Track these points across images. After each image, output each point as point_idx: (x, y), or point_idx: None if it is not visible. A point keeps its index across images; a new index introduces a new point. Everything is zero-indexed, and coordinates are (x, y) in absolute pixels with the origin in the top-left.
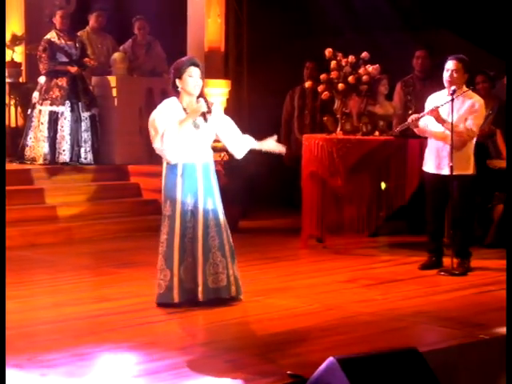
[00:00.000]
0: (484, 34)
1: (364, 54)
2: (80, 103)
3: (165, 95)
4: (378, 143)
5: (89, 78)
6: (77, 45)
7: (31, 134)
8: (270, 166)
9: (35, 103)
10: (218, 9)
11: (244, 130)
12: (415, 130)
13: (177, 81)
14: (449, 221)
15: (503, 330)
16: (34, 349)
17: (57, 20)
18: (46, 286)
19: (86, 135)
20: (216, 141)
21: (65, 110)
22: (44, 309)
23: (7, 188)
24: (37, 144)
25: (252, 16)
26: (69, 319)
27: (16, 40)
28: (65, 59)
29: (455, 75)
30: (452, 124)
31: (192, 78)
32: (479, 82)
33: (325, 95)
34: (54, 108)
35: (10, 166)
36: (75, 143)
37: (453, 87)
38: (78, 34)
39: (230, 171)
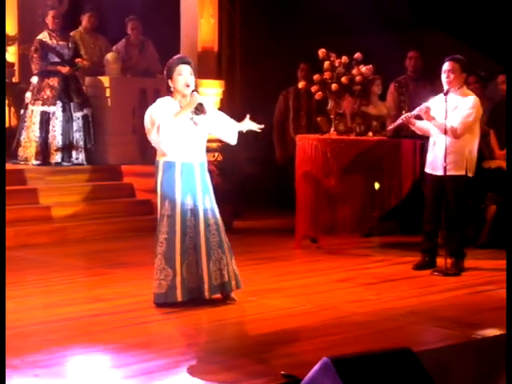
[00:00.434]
0: (477, 34)
1: (357, 55)
2: (72, 103)
3: (158, 95)
4: (372, 143)
5: (82, 79)
6: (69, 45)
7: (24, 134)
8: (263, 166)
9: (27, 103)
10: (210, 9)
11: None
12: (413, 128)
13: (169, 81)
14: (443, 221)
15: (497, 330)
16: (27, 349)
17: (49, 20)
18: (40, 287)
19: (77, 135)
20: (209, 141)
21: (56, 110)
22: (37, 309)
23: None
24: (29, 144)
25: (245, 16)
26: (62, 319)
27: (9, 40)
28: (57, 59)
29: (452, 76)
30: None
31: (181, 76)
32: (471, 82)
33: (318, 96)
34: (46, 108)
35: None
36: (67, 143)
37: (446, 87)
38: (71, 34)
39: (223, 171)
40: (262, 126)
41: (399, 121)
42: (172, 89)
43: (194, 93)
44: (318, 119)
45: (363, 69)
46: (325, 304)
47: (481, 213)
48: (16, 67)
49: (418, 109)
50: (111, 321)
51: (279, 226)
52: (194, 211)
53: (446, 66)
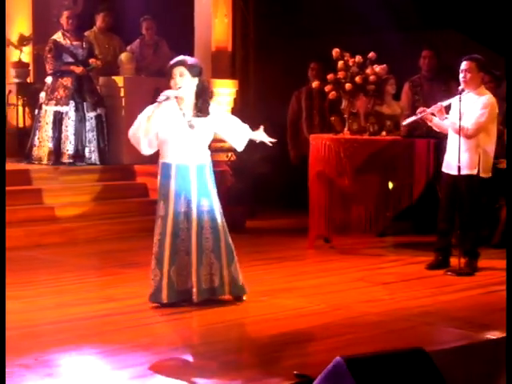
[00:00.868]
0: (491, 33)
1: (371, 54)
2: (85, 103)
3: None
4: (385, 143)
5: (96, 79)
6: (84, 45)
7: (38, 135)
8: (277, 165)
9: (42, 103)
10: (224, 9)
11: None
12: (430, 123)
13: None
14: (457, 221)
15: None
16: (39, 349)
17: (63, 20)
18: (51, 286)
19: (90, 135)
20: (222, 141)
21: (69, 109)
22: (49, 309)
23: (12, 188)
24: (43, 144)
25: (258, 16)
26: (74, 319)
27: (23, 40)
28: (71, 59)
29: (469, 75)
30: (458, 123)
31: (173, 79)
32: (485, 82)
33: (332, 95)
34: (59, 108)
35: (18, 166)
36: (79, 143)
37: (460, 86)
38: (86, 34)
39: (237, 171)
40: (274, 141)
41: (415, 117)
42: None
43: (166, 91)
44: (332, 119)
45: (377, 68)
46: (338, 304)
47: (495, 212)
48: (31, 67)
49: (433, 107)
50: (123, 321)
51: (292, 225)
52: (188, 214)
53: (463, 65)
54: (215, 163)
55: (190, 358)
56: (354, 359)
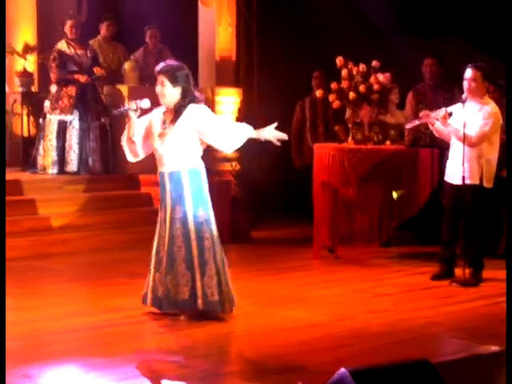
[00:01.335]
0: (495, 41)
1: (375, 63)
2: (89, 112)
3: None
4: (390, 153)
5: (101, 87)
6: (88, 54)
7: (42, 144)
8: (280, 175)
9: (46, 112)
10: (228, 18)
11: (254, 139)
12: (432, 128)
13: None
14: (462, 231)
15: None
16: (43, 359)
17: (67, 29)
18: (56, 296)
19: (94, 144)
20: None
21: (73, 118)
22: (54, 319)
23: (16, 198)
24: (47, 153)
25: (262, 24)
26: (79, 329)
27: (28, 49)
28: (75, 68)
29: (473, 84)
30: (462, 131)
31: (156, 87)
32: (490, 91)
33: (336, 104)
34: (63, 117)
35: (22, 175)
36: (83, 152)
37: (464, 95)
38: (90, 42)
39: (241, 180)
40: (285, 138)
41: (418, 120)
42: None
43: (130, 102)
44: (336, 128)
45: (381, 77)
46: (342, 314)
47: (499, 222)
48: (35, 76)
49: (437, 112)
50: (128, 331)
51: (296, 235)
52: (164, 221)
53: (468, 73)
54: (219, 173)
55: (193, 370)
56: (359, 370)
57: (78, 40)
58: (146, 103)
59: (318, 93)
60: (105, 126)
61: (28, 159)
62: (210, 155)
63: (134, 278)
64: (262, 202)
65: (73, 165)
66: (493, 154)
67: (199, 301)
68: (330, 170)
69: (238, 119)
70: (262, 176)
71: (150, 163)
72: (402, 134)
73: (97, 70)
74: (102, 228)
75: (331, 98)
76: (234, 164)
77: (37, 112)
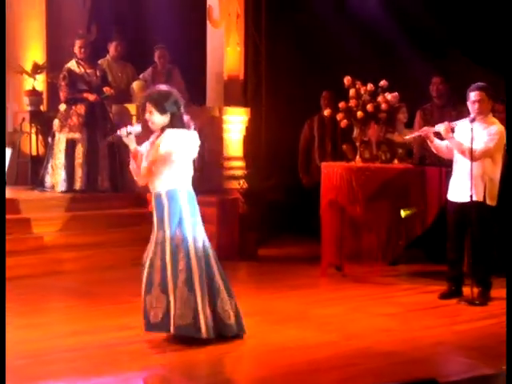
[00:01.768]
0: (503, 61)
1: (383, 82)
2: (98, 131)
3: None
4: (397, 171)
5: (110, 106)
6: (97, 73)
7: (51, 162)
8: (288, 193)
9: (55, 131)
10: (237, 37)
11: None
12: (431, 144)
13: None
14: (468, 250)
15: None
16: (52, 377)
17: (76, 49)
18: (62, 314)
19: (102, 163)
20: (233, 168)
21: (82, 137)
22: (62, 337)
23: (24, 216)
24: (55, 171)
25: (271, 44)
26: (87, 347)
27: (37, 68)
28: (85, 87)
29: (480, 106)
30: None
31: (146, 115)
32: (499, 111)
33: (343, 123)
34: (72, 135)
35: (31, 193)
36: (91, 171)
37: (472, 115)
38: (99, 62)
39: (248, 199)
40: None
41: (419, 133)
42: None
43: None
44: (344, 147)
45: (389, 96)
46: (350, 333)
47: (506, 240)
48: (44, 95)
49: (439, 125)
50: (136, 349)
51: (304, 253)
52: (151, 242)
53: (473, 96)
54: (227, 191)
55: None
56: None
57: (87, 59)
58: (136, 128)
59: (327, 112)
60: (113, 145)
61: (36, 178)
62: (218, 174)
63: (140, 297)
64: (270, 220)
65: (81, 183)
66: (496, 172)
67: (172, 322)
68: (338, 188)
69: (246, 138)
70: (270, 194)
71: None
72: (409, 153)
73: (106, 90)
74: (110, 246)
75: (339, 116)
76: (241, 182)
77: (45, 131)
